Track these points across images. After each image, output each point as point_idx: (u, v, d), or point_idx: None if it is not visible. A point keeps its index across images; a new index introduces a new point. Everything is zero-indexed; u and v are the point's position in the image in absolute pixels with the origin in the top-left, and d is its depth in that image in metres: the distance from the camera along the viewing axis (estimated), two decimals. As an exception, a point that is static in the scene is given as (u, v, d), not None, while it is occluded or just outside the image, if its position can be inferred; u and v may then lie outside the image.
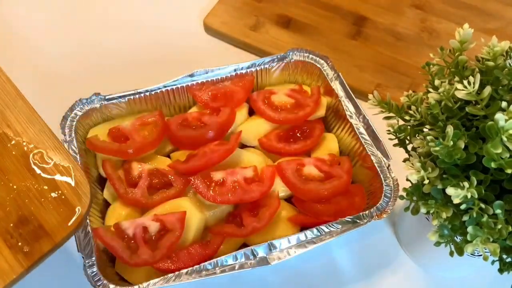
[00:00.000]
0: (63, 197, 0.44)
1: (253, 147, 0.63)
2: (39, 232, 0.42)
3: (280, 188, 0.58)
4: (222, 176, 0.56)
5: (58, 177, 0.45)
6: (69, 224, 0.43)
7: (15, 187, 0.44)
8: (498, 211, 0.39)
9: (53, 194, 0.44)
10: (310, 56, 0.66)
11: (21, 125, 0.47)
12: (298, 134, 0.63)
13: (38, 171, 0.45)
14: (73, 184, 0.45)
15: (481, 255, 0.41)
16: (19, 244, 0.41)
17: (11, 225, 0.42)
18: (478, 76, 0.41)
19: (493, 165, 0.38)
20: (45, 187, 0.44)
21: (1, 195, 0.43)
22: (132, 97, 0.62)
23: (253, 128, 0.63)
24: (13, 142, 0.46)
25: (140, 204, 0.56)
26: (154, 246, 0.52)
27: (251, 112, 0.66)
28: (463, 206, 0.39)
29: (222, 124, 0.61)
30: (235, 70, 0.65)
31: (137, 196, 0.56)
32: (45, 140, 0.47)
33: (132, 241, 0.52)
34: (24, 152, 0.46)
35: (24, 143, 0.46)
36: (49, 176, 0.45)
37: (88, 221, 0.52)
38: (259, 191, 0.55)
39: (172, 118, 0.63)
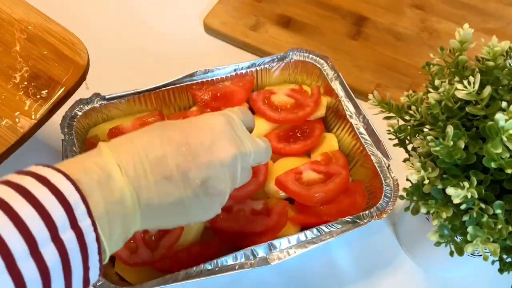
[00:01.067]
0: (64, 56, 0.52)
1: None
2: (50, 83, 0.51)
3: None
4: (230, 203, 0.56)
5: (54, 41, 0.53)
6: (75, 74, 0.52)
7: (18, 54, 0.52)
8: (498, 211, 0.39)
9: (54, 56, 0.52)
10: (310, 56, 0.66)
11: (9, 8, 0.54)
12: (298, 134, 0.63)
13: (36, 40, 0.53)
14: (70, 44, 0.53)
15: (481, 255, 0.41)
16: (37, 93, 0.50)
17: (25, 83, 0.51)
18: (478, 76, 0.41)
19: (493, 165, 0.38)
20: (45, 52, 0.52)
21: (10, 61, 0.52)
22: (132, 97, 0.62)
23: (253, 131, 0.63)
24: (6, 20, 0.53)
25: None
26: (153, 246, 0.52)
27: (251, 112, 0.66)
28: (463, 206, 0.39)
29: (222, 124, 0.61)
30: (235, 70, 0.65)
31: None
32: (34, 16, 0.54)
33: (132, 241, 0.52)
34: (19, 27, 0.53)
35: (17, 21, 0.54)
36: (47, 42, 0.53)
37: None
38: (265, 224, 0.54)
39: (173, 115, 0.63)
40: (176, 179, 0.38)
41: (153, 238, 0.53)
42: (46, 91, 0.50)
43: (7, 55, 0.51)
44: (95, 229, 0.32)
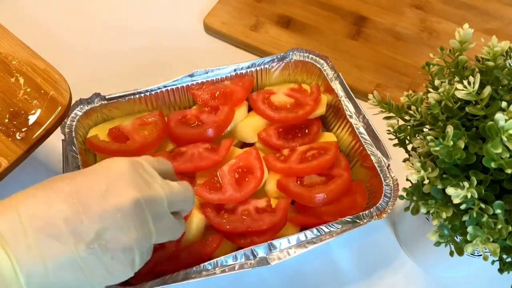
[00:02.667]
0: (46, 95, 0.51)
1: (252, 144, 0.63)
2: (30, 122, 0.50)
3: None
4: (234, 205, 0.56)
5: (38, 79, 0.52)
6: (55, 114, 0.51)
7: (1, 90, 0.51)
8: (498, 211, 0.39)
9: (36, 94, 0.51)
10: (310, 56, 0.66)
11: None
12: (296, 130, 0.63)
13: (19, 76, 0.52)
14: (53, 82, 0.52)
15: (481, 255, 0.41)
16: (16, 132, 0.49)
17: (6, 120, 0.50)
18: (478, 76, 0.41)
19: (493, 165, 0.38)
20: (28, 89, 0.52)
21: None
22: (132, 97, 0.62)
23: (251, 125, 0.63)
24: None
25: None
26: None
27: (250, 111, 0.66)
28: (463, 206, 0.39)
29: (219, 123, 0.61)
30: (235, 70, 0.65)
31: (137, 196, 0.56)
32: (20, 51, 0.54)
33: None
34: (3, 61, 0.53)
35: (2, 54, 0.53)
36: (30, 78, 0.52)
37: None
38: (270, 221, 0.54)
39: (172, 113, 0.63)
40: (65, 236, 0.33)
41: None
42: (25, 129, 0.49)
43: None
44: None
